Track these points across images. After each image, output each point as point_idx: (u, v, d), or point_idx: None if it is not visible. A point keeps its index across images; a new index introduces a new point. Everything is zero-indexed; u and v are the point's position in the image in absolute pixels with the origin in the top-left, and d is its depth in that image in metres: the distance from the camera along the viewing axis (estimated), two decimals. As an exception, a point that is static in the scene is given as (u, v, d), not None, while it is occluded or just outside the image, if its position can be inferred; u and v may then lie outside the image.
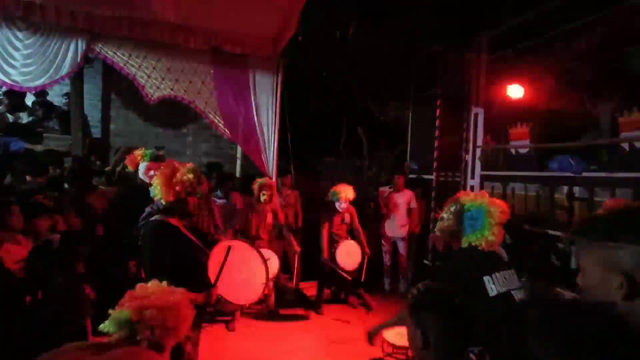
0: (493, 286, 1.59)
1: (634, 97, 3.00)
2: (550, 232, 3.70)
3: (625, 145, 3.12)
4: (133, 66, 4.09)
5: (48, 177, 3.41)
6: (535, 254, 3.83)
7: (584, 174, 3.40)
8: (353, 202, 4.28)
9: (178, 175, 2.02)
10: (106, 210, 3.19)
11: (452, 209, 1.73)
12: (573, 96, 3.38)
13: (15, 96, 4.52)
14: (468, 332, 1.09)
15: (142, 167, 3.07)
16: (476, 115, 4.63)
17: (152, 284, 1.31)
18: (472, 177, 4.66)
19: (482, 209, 1.68)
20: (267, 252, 3.40)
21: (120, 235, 2.82)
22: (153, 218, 2.05)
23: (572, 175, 3.49)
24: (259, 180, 4.06)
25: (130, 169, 3.16)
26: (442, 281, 1.25)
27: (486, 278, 1.60)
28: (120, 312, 1.17)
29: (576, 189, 3.52)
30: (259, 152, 4.55)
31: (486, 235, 1.67)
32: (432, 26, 4.17)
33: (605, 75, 3.14)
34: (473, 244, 1.67)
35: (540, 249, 3.82)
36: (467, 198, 1.75)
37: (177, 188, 2.01)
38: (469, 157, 4.67)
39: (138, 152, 3.15)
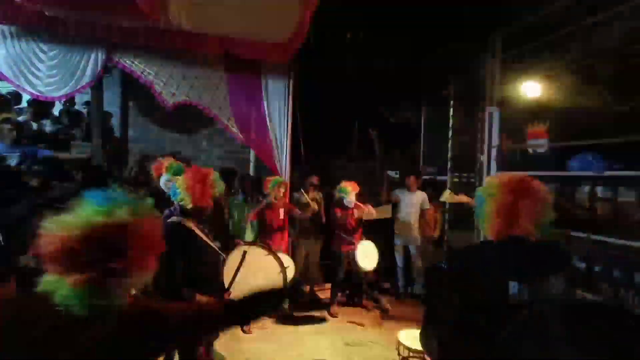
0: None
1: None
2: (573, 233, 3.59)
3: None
4: (150, 74, 4.21)
5: (75, 183, 3.53)
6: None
7: (607, 173, 3.29)
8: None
9: (208, 181, 2.10)
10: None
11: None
12: (592, 93, 3.28)
13: (39, 105, 4.71)
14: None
15: (163, 178, 3.10)
16: (491, 114, 4.55)
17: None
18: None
19: None
20: (286, 259, 3.39)
21: None
22: (170, 220, 2.09)
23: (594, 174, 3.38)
24: (272, 179, 4.09)
25: (153, 174, 3.21)
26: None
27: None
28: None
29: (598, 189, 3.41)
30: (272, 155, 4.59)
31: None
32: (443, 25, 4.13)
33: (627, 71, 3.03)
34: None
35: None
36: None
37: (210, 194, 2.10)
38: (484, 158, 4.58)
39: (165, 163, 3.14)
